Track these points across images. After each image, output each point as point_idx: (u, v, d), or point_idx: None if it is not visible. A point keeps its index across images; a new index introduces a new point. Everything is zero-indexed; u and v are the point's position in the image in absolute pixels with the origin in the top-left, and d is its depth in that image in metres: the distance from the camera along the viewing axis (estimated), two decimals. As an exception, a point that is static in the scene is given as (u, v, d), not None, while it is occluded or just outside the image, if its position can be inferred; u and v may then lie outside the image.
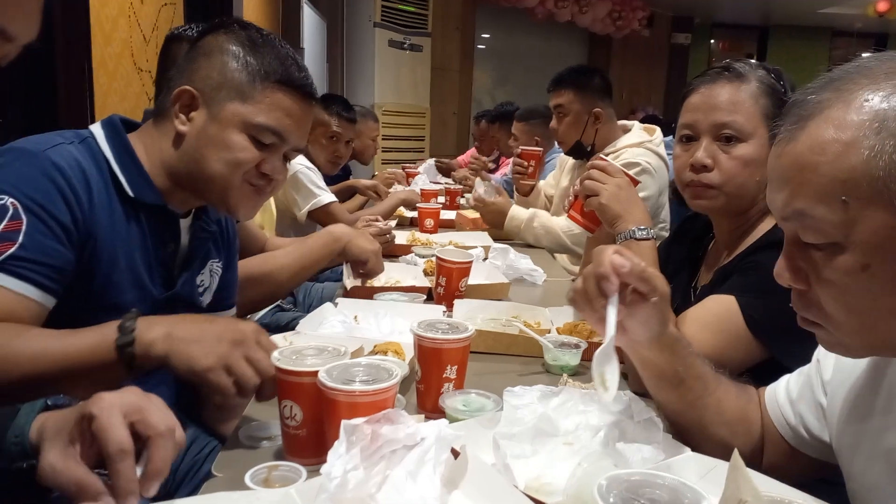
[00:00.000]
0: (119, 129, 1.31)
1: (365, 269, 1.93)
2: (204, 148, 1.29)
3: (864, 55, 0.81)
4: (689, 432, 1.10)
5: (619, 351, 1.02)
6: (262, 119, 1.29)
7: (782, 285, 0.86)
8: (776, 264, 0.86)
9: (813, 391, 1.06)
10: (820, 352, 1.07)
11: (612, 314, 0.99)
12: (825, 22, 11.42)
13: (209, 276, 1.48)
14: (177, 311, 1.36)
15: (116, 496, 0.75)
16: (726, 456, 0.78)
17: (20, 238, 1.10)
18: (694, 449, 1.00)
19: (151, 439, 0.78)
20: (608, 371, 0.99)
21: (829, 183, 0.76)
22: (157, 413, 0.80)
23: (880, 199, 0.73)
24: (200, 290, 1.45)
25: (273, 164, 1.34)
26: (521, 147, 3.36)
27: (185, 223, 1.39)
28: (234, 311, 1.63)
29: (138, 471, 0.77)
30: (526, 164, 3.31)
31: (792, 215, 0.80)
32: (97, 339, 1.07)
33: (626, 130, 3.05)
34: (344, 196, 3.79)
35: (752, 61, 1.51)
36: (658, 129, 3.00)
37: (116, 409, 0.78)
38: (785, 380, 1.13)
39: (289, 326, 1.59)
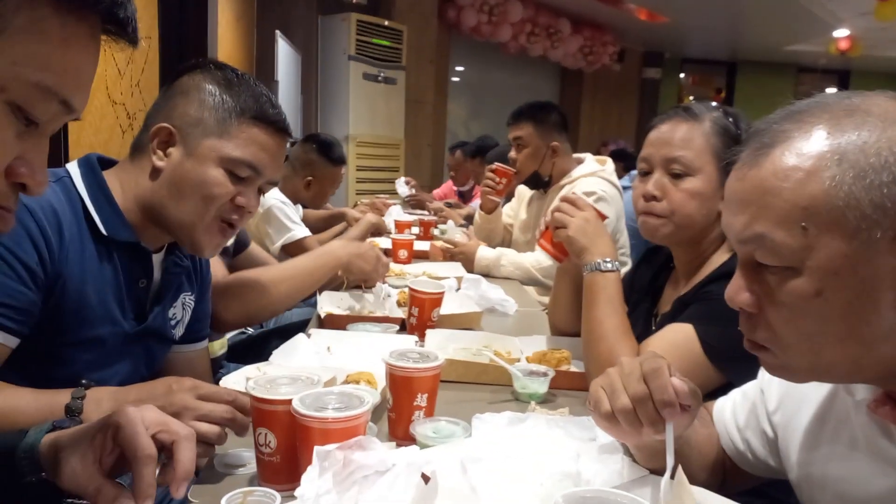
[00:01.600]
0: (95, 167, 1.34)
1: (365, 285, 2.05)
2: (180, 182, 1.33)
3: (823, 93, 0.84)
4: None
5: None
6: (238, 153, 1.35)
7: (733, 308, 0.88)
8: (729, 286, 0.87)
9: (759, 420, 1.10)
10: (763, 381, 1.11)
11: (671, 439, 0.93)
12: (791, 58, 11.70)
13: (181, 310, 1.51)
14: (149, 344, 1.41)
15: (137, 498, 0.82)
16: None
17: None
18: None
19: (177, 443, 0.87)
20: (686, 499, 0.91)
21: (791, 209, 0.78)
22: (177, 422, 0.89)
23: (838, 228, 0.76)
24: (172, 322, 1.48)
25: (248, 197, 1.39)
26: (496, 164, 3.42)
27: (157, 258, 1.43)
28: (205, 343, 1.66)
29: None
30: (497, 180, 3.38)
31: (751, 238, 0.82)
32: (46, 413, 1.10)
33: (580, 162, 3.24)
34: (332, 221, 3.87)
35: (713, 104, 1.59)
36: (609, 160, 3.22)
37: (139, 420, 0.86)
38: (731, 402, 1.17)
39: (265, 350, 1.62)
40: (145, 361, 1.44)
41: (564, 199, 1.70)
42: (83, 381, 1.16)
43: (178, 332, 1.51)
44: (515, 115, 3.31)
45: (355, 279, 2.02)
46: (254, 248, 2.58)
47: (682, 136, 1.54)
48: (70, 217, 1.26)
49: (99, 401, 1.14)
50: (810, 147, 0.78)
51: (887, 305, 0.76)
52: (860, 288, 0.77)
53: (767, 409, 1.08)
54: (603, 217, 1.69)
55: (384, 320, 2.00)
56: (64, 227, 1.23)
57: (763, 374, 1.12)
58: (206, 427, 1.09)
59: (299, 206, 3.57)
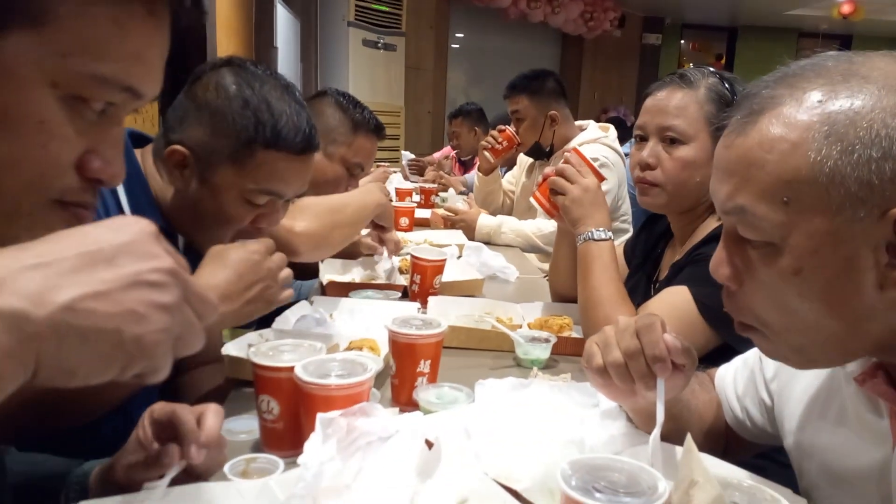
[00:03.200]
0: (129, 148, 1.30)
1: (386, 235, 2.07)
2: (196, 208, 1.32)
3: (823, 53, 0.80)
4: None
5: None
6: (254, 185, 1.30)
7: (716, 280, 0.86)
8: (713, 257, 0.85)
9: (757, 388, 1.10)
10: None
11: (662, 396, 0.93)
12: (792, 23, 11.57)
13: None
14: None
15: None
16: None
17: None
18: None
19: (204, 414, 0.90)
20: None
21: (774, 182, 0.75)
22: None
23: (820, 205, 0.73)
24: None
25: (269, 219, 1.37)
26: (505, 127, 3.36)
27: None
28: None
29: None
30: (499, 139, 3.33)
31: (733, 209, 0.80)
32: None
33: (583, 129, 3.20)
34: None
35: (710, 69, 1.58)
36: (612, 127, 3.17)
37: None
38: (732, 370, 1.17)
39: (271, 320, 1.62)
40: None
41: (568, 161, 1.68)
42: None
43: None
44: (510, 87, 3.26)
45: (383, 222, 2.02)
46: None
47: (677, 104, 1.54)
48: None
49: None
50: (799, 116, 0.75)
51: (870, 285, 0.73)
52: (840, 266, 0.74)
53: (765, 376, 1.08)
54: (601, 178, 1.67)
55: (386, 287, 2.00)
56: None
57: None
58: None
59: None
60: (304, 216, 1.69)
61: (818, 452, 0.94)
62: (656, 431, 0.91)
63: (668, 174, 1.55)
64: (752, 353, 1.14)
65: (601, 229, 1.59)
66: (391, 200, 3.47)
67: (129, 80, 0.64)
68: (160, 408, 0.91)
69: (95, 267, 0.51)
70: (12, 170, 0.60)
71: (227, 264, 1.19)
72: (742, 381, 1.14)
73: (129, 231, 0.54)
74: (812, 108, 0.74)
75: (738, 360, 1.18)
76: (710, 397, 1.17)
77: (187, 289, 0.56)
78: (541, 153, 3.24)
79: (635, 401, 0.98)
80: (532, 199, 1.78)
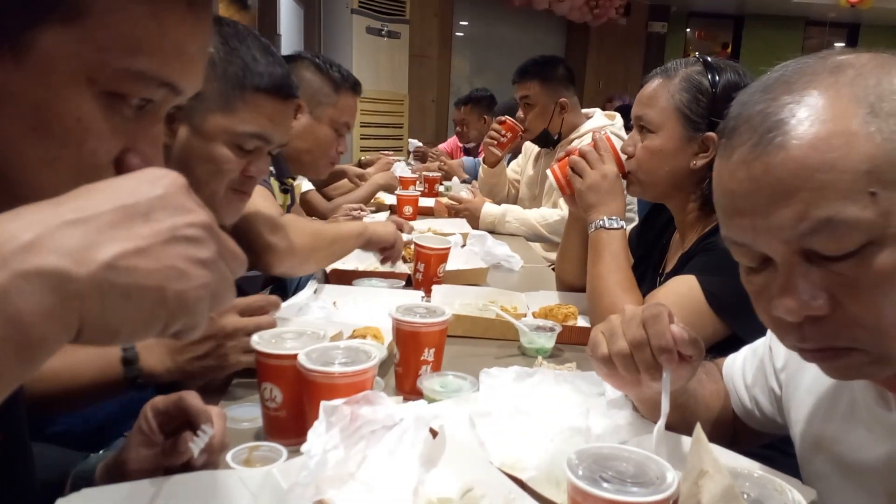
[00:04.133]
0: None
1: (389, 252, 1.98)
2: (189, 160, 1.31)
3: (816, 53, 0.75)
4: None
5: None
6: (244, 128, 1.32)
7: (794, 321, 0.73)
8: (783, 299, 0.72)
9: (766, 377, 1.09)
10: (772, 337, 1.08)
11: (667, 387, 0.91)
12: (799, 12, 11.50)
13: None
14: None
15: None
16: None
17: None
18: None
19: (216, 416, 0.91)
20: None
21: (852, 177, 0.67)
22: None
23: None
24: None
25: (258, 166, 1.38)
26: (506, 117, 3.37)
27: None
28: None
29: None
30: (504, 132, 3.33)
31: (814, 228, 0.69)
32: (104, 366, 1.12)
33: (589, 117, 3.17)
34: (332, 179, 3.83)
35: (706, 58, 1.57)
36: (618, 115, 3.16)
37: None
38: (741, 359, 1.16)
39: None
40: None
41: (595, 146, 1.67)
42: None
43: None
44: (521, 72, 3.21)
45: (381, 245, 1.98)
46: (297, 207, 2.59)
47: (649, 94, 1.57)
48: None
49: (148, 346, 1.14)
50: (831, 107, 0.69)
51: None
52: None
53: (775, 365, 1.07)
54: (622, 170, 1.64)
55: (389, 276, 1.99)
56: None
57: None
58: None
59: None
60: (286, 234, 1.70)
61: (826, 444, 0.93)
62: (661, 422, 0.90)
63: (638, 163, 1.59)
64: (762, 342, 1.12)
65: (614, 218, 1.59)
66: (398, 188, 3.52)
67: (167, 76, 0.62)
68: (163, 400, 0.90)
69: (133, 222, 0.49)
70: (48, 168, 0.59)
71: None
72: (751, 370, 1.12)
73: (162, 184, 0.52)
74: (837, 97, 0.69)
75: (746, 350, 1.16)
76: (717, 387, 1.16)
77: (220, 243, 0.55)
78: (548, 141, 3.20)
79: (640, 391, 0.96)
80: (548, 171, 1.76)
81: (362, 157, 4.50)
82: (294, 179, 2.24)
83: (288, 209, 2.23)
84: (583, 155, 1.65)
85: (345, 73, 2.23)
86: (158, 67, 0.61)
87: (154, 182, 0.52)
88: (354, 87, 2.26)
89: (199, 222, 0.52)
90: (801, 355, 0.78)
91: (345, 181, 3.80)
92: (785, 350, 1.04)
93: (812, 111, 0.69)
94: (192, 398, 0.90)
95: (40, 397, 1.04)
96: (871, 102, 0.68)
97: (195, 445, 0.84)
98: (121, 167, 0.62)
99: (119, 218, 0.49)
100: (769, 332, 1.10)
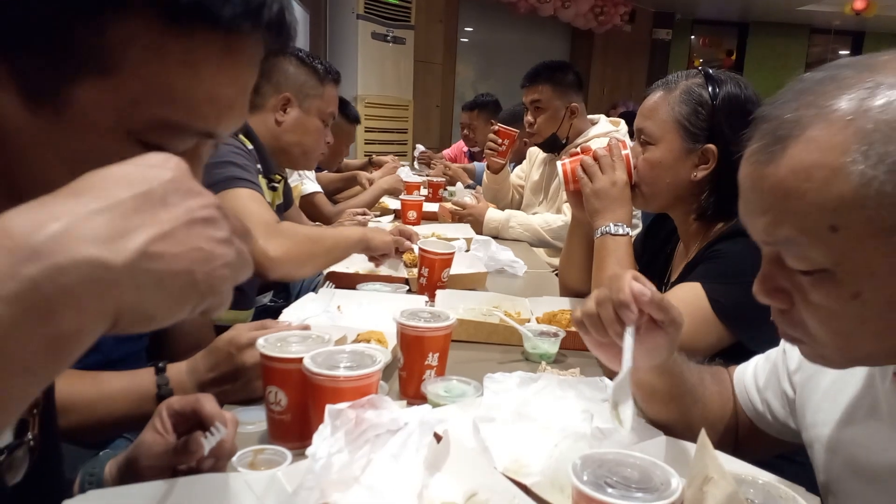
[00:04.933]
0: None
1: (380, 260, 2.01)
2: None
3: (835, 62, 0.75)
4: (674, 433, 1.08)
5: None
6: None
7: (760, 301, 0.81)
8: (756, 281, 0.81)
9: (779, 380, 1.09)
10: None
11: (629, 344, 0.94)
12: (804, 19, 11.51)
13: None
14: None
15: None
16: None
17: None
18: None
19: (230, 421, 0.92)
20: (623, 405, 0.94)
21: (818, 213, 0.69)
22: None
23: (871, 227, 0.68)
24: None
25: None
26: (498, 125, 3.41)
27: None
28: None
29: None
30: (500, 141, 3.36)
31: (776, 241, 0.75)
32: (136, 399, 1.15)
33: (594, 123, 3.17)
34: (344, 185, 3.87)
35: (708, 70, 1.57)
36: (622, 121, 3.15)
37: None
38: (753, 364, 1.16)
39: (276, 311, 1.64)
40: None
41: (610, 147, 1.66)
42: (158, 364, 1.18)
43: None
44: (531, 76, 3.19)
45: (379, 251, 1.99)
46: (295, 209, 2.62)
47: (650, 107, 1.57)
48: None
49: (181, 383, 1.18)
50: (831, 137, 0.69)
51: None
52: None
53: (788, 368, 1.07)
54: (632, 181, 1.64)
55: (389, 280, 1.99)
56: None
57: None
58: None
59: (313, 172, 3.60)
60: (282, 241, 1.72)
61: (844, 447, 0.92)
62: (620, 376, 0.93)
63: (640, 175, 1.60)
64: (775, 350, 1.13)
65: (620, 224, 1.59)
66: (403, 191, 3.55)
67: (203, 125, 0.62)
68: (179, 400, 0.91)
69: (154, 207, 0.49)
70: None
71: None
72: (763, 374, 1.13)
73: (168, 167, 0.52)
74: (845, 128, 0.68)
75: (759, 357, 1.17)
76: (720, 389, 1.16)
77: (230, 220, 0.55)
78: (555, 145, 3.19)
79: (611, 352, 1.00)
80: (559, 164, 1.77)
81: (373, 156, 4.52)
82: (281, 176, 2.26)
83: (279, 208, 2.25)
84: (596, 158, 1.65)
85: (326, 64, 2.27)
86: (196, 118, 0.61)
87: (160, 166, 0.51)
88: (336, 77, 2.31)
89: (211, 203, 0.52)
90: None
91: (355, 188, 3.83)
92: (799, 354, 1.04)
93: (816, 133, 0.70)
94: (208, 402, 0.90)
95: (74, 427, 1.05)
96: (872, 139, 0.67)
97: (207, 442, 0.84)
98: None
99: (140, 204, 0.48)
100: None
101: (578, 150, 1.76)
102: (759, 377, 1.13)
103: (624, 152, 1.63)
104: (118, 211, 0.47)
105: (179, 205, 0.50)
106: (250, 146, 1.99)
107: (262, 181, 2.04)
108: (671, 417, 1.10)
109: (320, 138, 2.27)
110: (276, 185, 2.20)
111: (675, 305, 0.98)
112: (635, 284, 0.95)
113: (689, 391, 1.08)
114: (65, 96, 0.57)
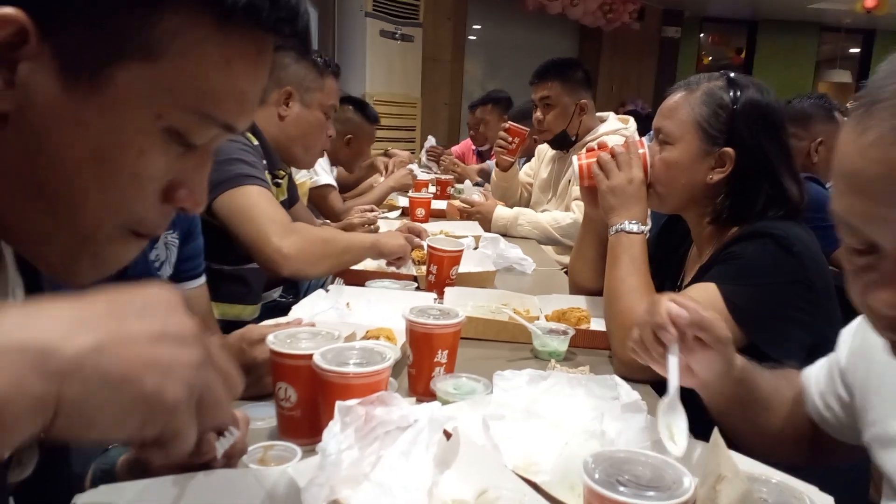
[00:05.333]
0: None
1: (398, 263, 2.03)
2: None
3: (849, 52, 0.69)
4: (742, 439, 1.06)
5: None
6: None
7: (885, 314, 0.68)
8: (879, 298, 0.67)
9: (834, 384, 1.09)
10: (840, 341, 1.09)
11: (672, 364, 0.95)
12: (814, 17, 11.44)
13: (164, 250, 1.52)
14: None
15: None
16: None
17: None
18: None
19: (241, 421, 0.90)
20: (675, 424, 0.94)
21: None
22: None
23: None
24: (157, 264, 1.50)
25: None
26: (509, 122, 3.41)
27: None
28: (202, 280, 1.68)
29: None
30: (511, 139, 3.35)
31: None
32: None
33: (603, 120, 3.17)
34: (365, 173, 3.95)
35: (729, 74, 1.56)
36: (632, 119, 3.17)
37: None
38: (816, 367, 1.16)
39: (286, 308, 1.65)
40: None
41: (626, 147, 1.64)
42: None
43: (166, 271, 1.52)
44: (540, 73, 3.18)
45: (392, 256, 2.00)
46: (301, 204, 2.62)
47: (670, 107, 1.56)
48: None
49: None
50: None
51: None
52: None
53: (840, 370, 1.07)
54: (648, 180, 1.63)
55: (400, 278, 1.99)
56: None
57: (841, 334, 1.10)
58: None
59: (334, 168, 3.66)
60: (296, 238, 1.74)
61: None
62: (666, 398, 0.93)
63: (656, 175, 1.59)
64: (834, 352, 1.12)
65: (635, 222, 1.58)
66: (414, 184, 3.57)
67: (228, 118, 0.64)
68: None
69: (126, 316, 0.51)
70: (99, 194, 0.60)
71: None
72: (823, 377, 1.13)
73: (158, 292, 0.54)
74: None
75: (822, 359, 1.16)
76: (793, 395, 1.16)
77: (211, 355, 0.56)
78: (565, 143, 3.18)
79: (703, 388, 1.02)
80: (574, 159, 1.76)
81: (389, 149, 4.52)
82: (285, 172, 2.26)
83: (283, 204, 2.26)
84: (613, 155, 1.64)
85: (324, 57, 2.29)
86: (222, 110, 0.63)
87: (153, 293, 0.54)
88: (336, 70, 2.33)
89: (188, 326, 0.54)
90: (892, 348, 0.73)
91: (368, 182, 3.85)
92: (847, 351, 1.05)
93: None
94: None
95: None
96: None
97: (220, 446, 0.84)
98: (167, 197, 0.64)
99: (112, 310, 0.50)
100: (840, 339, 1.09)
101: (595, 145, 1.74)
102: (820, 381, 1.13)
103: (641, 151, 1.62)
104: (88, 311, 0.49)
105: (154, 320, 0.52)
106: (256, 143, 2.00)
107: (267, 177, 2.05)
108: (737, 420, 1.10)
109: (322, 131, 2.28)
110: (279, 181, 2.21)
111: (720, 323, 0.98)
112: (672, 306, 0.96)
113: (760, 399, 1.08)
114: (104, 77, 0.58)
